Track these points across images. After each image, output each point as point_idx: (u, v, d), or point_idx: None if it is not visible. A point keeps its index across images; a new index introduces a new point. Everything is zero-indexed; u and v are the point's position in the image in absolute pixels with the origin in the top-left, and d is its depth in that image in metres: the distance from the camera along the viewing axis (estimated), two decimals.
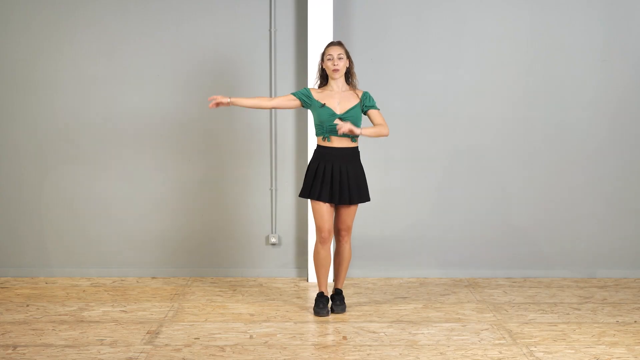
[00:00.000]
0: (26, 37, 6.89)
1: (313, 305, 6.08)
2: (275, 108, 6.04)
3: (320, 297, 5.96)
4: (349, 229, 5.94)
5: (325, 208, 5.82)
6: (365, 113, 5.86)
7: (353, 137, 5.77)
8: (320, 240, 5.89)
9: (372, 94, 6.00)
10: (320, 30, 6.67)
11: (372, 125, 5.86)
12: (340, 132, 5.66)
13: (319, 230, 5.87)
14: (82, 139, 6.97)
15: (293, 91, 6.58)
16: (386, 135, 5.86)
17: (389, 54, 6.96)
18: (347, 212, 5.89)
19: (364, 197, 5.90)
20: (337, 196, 5.80)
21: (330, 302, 6.04)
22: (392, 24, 6.95)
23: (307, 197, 5.84)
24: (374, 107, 5.85)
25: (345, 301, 6.15)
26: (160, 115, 6.97)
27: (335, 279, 6.09)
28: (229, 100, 5.81)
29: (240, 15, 6.93)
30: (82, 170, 6.98)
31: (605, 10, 6.96)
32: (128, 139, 6.98)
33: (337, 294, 6.05)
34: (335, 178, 5.78)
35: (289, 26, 6.95)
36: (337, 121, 5.75)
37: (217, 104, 5.83)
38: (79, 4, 6.89)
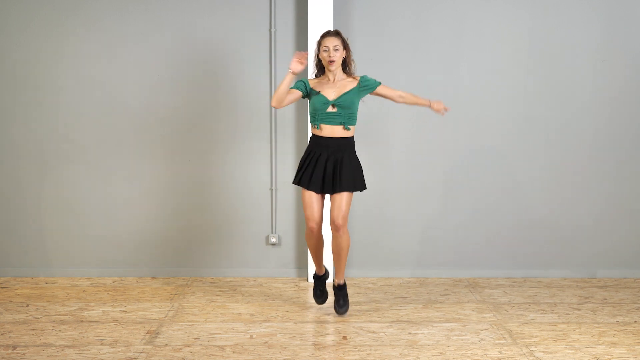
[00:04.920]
0: (26, 37, 6.89)
1: (313, 296, 6.15)
2: (283, 106, 5.82)
3: (317, 280, 5.99)
4: (344, 219, 5.74)
5: (315, 197, 5.78)
6: (375, 93, 5.84)
7: (347, 125, 5.72)
8: (309, 231, 5.84)
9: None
10: (320, 30, 6.65)
11: (391, 96, 5.86)
12: (442, 111, 5.95)
13: (307, 219, 5.81)
14: (82, 139, 6.96)
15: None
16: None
17: (389, 54, 6.96)
18: (341, 199, 5.72)
19: (359, 185, 5.80)
20: (330, 185, 5.73)
21: (327, 293, 6.06)
22: (392, 24, 6.95)
23: (297, 184, 5.81)
24: (378, 84, 5.83)
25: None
26: (160, 115, 6.97)
27: (336, 272, 5.92)
28: (292, 72, 5.64)
29: (240, 15, 6.93)
30: (82, 170, 6.98)
31: (605, 10, 6.95)
32: (128, 139, 6.98)
33: (339, 290, 5.91)
34: (328, 167, 5.72)
35: (289, 26, 6.94)
36: (437, 107, 5.94)
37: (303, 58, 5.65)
38: (79, 4, 6.89)
